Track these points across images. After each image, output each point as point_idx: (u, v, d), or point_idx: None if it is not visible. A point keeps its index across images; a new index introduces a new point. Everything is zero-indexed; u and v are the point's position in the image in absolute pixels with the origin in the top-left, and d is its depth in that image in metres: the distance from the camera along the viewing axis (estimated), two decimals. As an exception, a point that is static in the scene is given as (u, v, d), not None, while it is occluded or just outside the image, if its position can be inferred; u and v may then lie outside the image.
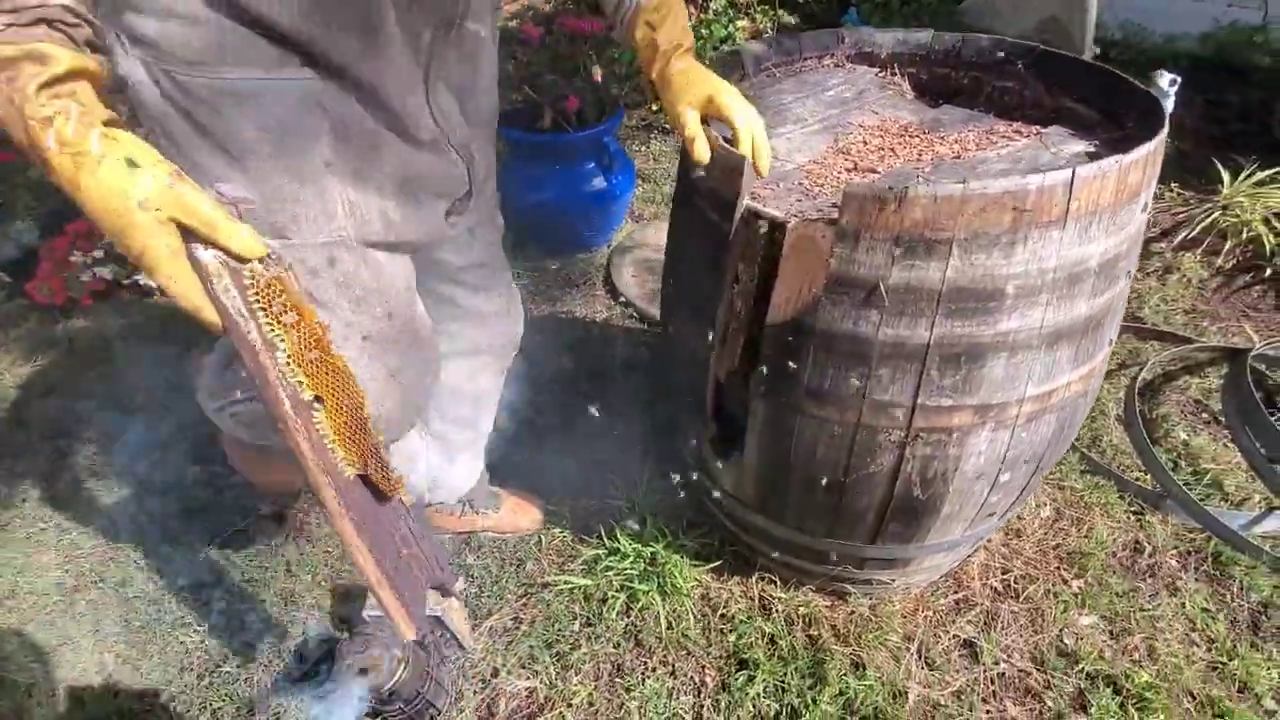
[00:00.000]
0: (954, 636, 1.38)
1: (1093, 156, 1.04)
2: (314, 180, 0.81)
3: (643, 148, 3.06)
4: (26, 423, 1.95)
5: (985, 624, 1.40)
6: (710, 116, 0.97)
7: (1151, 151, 0.87)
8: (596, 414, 1.58)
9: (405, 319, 0.98)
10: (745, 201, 0.96)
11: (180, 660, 1.41)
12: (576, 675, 1.34)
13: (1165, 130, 0.90)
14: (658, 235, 2.56)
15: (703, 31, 3.53)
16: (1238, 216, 2.18)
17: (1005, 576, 1.47)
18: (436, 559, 0.93)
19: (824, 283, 0.93)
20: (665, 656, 1.37)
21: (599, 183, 2.33)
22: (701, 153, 0.96)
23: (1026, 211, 0.82)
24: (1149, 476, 1.66)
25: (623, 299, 2.28)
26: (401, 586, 0.81)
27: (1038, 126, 1.15)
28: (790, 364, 1.00)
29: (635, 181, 2.61)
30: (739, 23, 3.58)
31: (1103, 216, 0.86)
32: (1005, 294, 0.88)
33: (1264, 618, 1.43)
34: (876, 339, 0.93)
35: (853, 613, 1.40)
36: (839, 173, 1.07)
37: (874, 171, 1.07)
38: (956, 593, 1.45)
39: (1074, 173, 0.81)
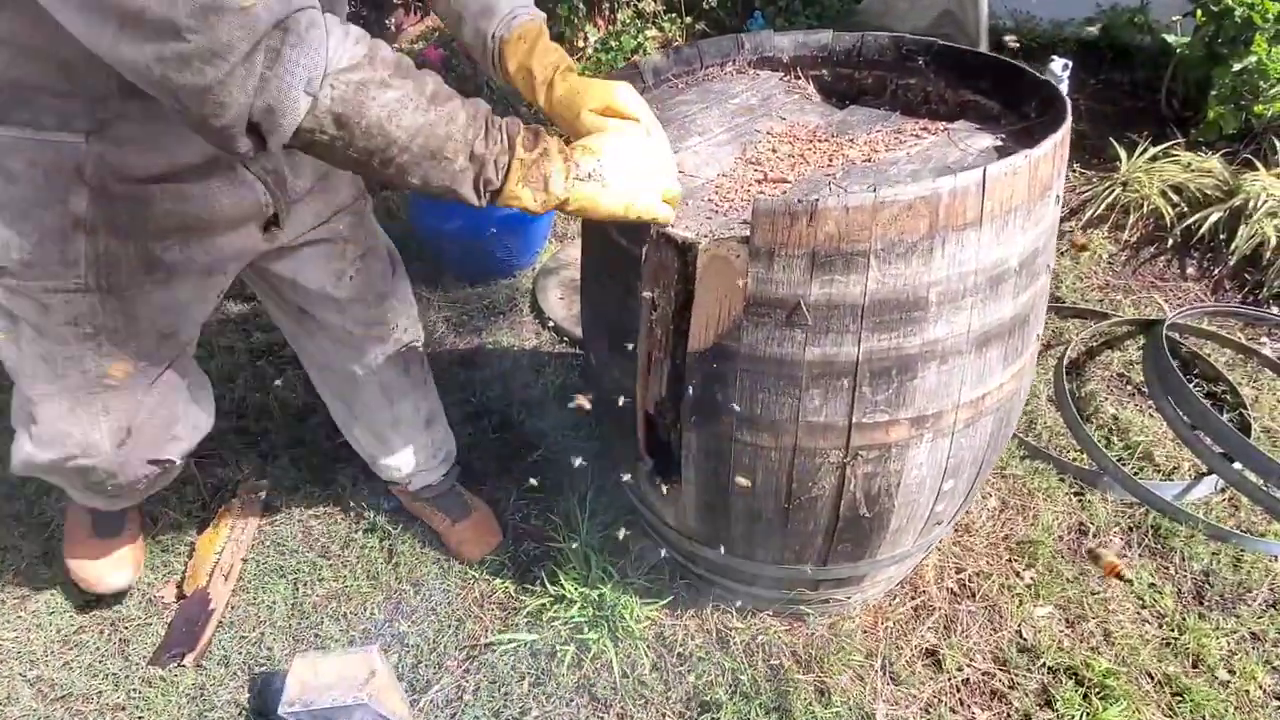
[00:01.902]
0: (916, 646, 1.34)
1: (1001, 149, 1.02)
2: (56, 235, 0.86)
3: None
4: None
5: (945, 628, 1.37)
6: None
7: (1058, 142, 0.84)
8: (533, 447, 1.49)
9: (143, 362, 1.02)
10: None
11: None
12: (529, 742, 1.24)
13: (1069, 120, 0.88)
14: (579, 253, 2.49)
15: (612, 43, 3.49)
16: (1138, 191, 2.26)
17: (960, 576, 1.45)
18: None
19: (743, 304, 0.87)
20: (622, 708, 1.28)
21: (515, 205, 2.24)
22: None
23: (939, 217, 0.78)
24: (1085, 455, 1.67)
25: (551, 323, 2.19)
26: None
27: (944, 122, 1.13)
28: (718, 391, 0.94)
29: (554, 201, 2.53)
30: (648, 32, 3.55)
31: (1018, 213, 0.83)
32: (929, 302, 0.84)
33: (1207, 585, 1.45)
34: (804, 359, 0.88)
35: (812, 634, 1.35)
36: (749, 185, 1.02)
37: (785, 181, 1.02)
38: (914, 599, 1.41)
39: (985, 172, 0.77)
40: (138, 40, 0.60)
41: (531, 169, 0.75)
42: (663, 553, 1.26)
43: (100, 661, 1.42)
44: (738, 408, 0.94)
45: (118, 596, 1.50)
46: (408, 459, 1.47)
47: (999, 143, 1.03)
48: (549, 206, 0.79)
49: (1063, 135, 0.86)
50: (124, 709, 1.34)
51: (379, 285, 1.24)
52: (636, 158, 0.81)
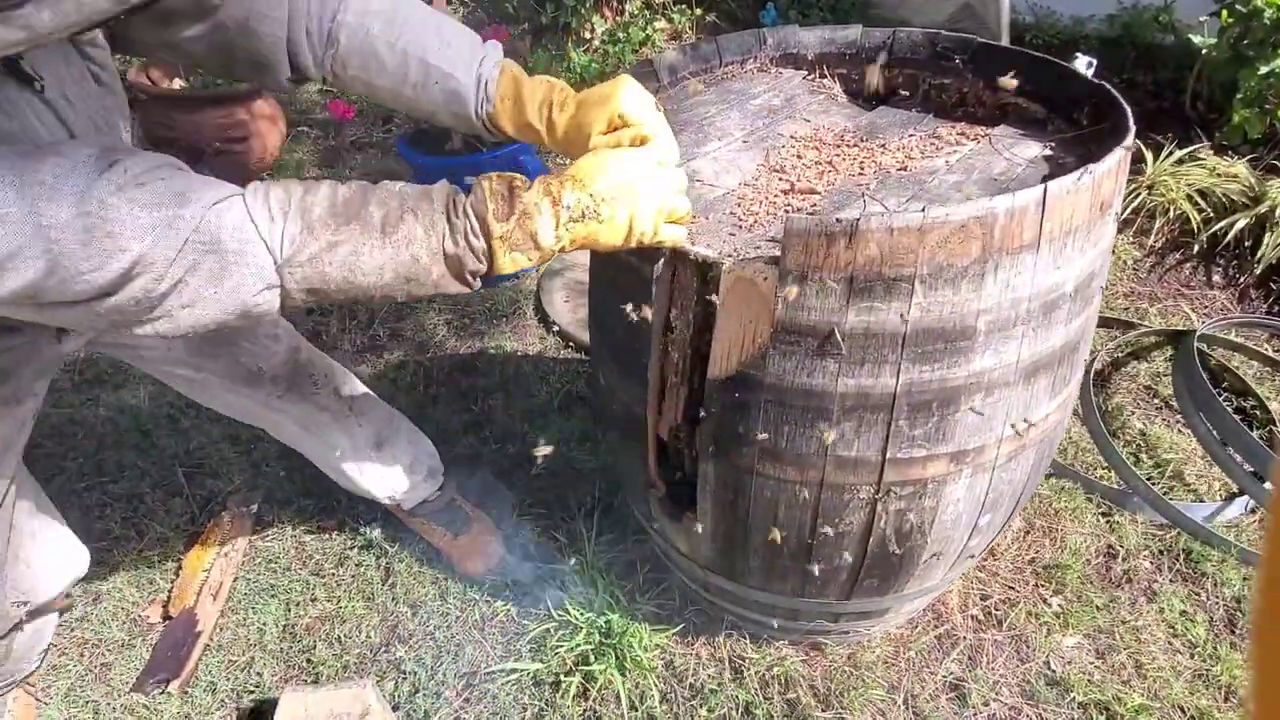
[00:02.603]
0: (940, 679, 1.27)
1: (1051, 160, 0.94)
2: None
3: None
4: None
5: (970, 659, 1.31)
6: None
7: (1123, 156, 0.77)
8: (536, 461, 1.41)
9: None
10: None
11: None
12: (531, 779, 1.18)
13: (1133, 129, 0.80)
14: (586, 256, 2.41)
15: (619, 35, 3.40)
16: (1164, 195, 2.18)
17: (985, 603, 1.38)
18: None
19: (770, 331, 0.79)
20: (630, 744, 1.22)
21: (517, 205, 2.16)
22: None
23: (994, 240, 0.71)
24: (1112, 473, 1.60)
25: (556, 327, 2.12)
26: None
27: (983, 127, 1.05)
28: (739, 422, 0.87)
29: (558, 199, 2.44)
30: (657, 24, 3.46)
31: (1078, 234, 0.75)
32: (976, 331, 0.76)
33: (1239, 613, 1.38)
34: (836, 391, 0.80)
35: (831, 666, 1.28)
36: (774, 196, 0.94)
37: (814, 192, 0.94)
38: (937, 628, 1.35)
39: (1046, 189, 0.69)
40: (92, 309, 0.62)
41: (514, 235, 0.70)
42: (677, 576, 1.20)
43: (79, 688, 1.35)
44: (762, 437, 0.86)
45: (97, 617, 1.44)
46: (377, 484, 1.38)
47: (1048, 151, 0.96)
48: (549, 258, 0.73)
49: (1128, 146, 0.78)
50: (105, 739, 1.28)
51: (222, 334, 1.12)
52: (633, 179, 0.73)
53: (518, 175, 0.72)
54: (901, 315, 0.74)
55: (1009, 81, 1.03)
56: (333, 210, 0.67)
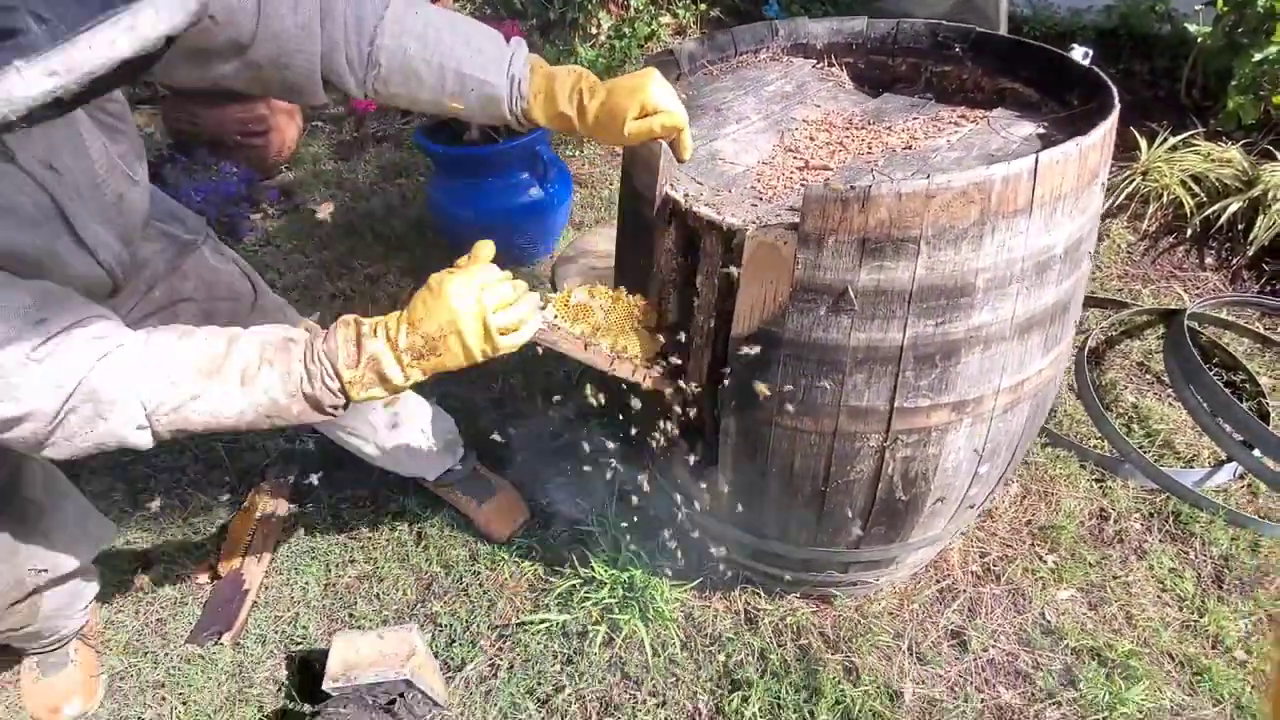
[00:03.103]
0: (942, 628, 1.36)
1: (1043, 137, 1.03)
2: None
3: (576, 153, 2.98)
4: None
5: (970, 610, 1.40)
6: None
7: (1108, 130, 0.85)
8: (557, 433, 1.50)
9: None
10: (662, 188, 0.93)
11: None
12: (564, 719, 1.27)
13: (1118, 107, 0.88)
14: (602, 241, 2.48)
15: (625, 30, 3.47)
16: (1158, 181, 2.25)
17: (984, 560, 1.47)
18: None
19: (790, 290, 0.88)
20: (654, 686, 1.31)
21: (535, 192, 2.24)
22: (686, 150, 0.98)
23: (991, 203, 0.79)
24: (1105, 443, 1.69)
25: (571, 310, 2.20)
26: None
27: (981, 110, 1.13)
28: (760, 377, 0.95)
29: (573, 188, 2.53)
30: (662, 19, 3.53)
31: (1066, 200, 0.84)
32: (976, 288, 0.85)
33: (1226, 570, 1.47)
34: (849, 345, 0.89)
35: (840, 616, 1.37)
36: (790, 173, 1.02)
37: (826, 169, 1.03)
38: (939, 582, 1.43)
39: (1037, 159, 0.78)
40: None
41: (365, 377, 0.81)
42: (695, 535, 1.28)
43: (137, 640, 1.44)
44: (785, 389, 0.95)
45: (151, 578, 1.53)
46: (397, 462, 1.46)
47: (1041, 130, 1.04)
48: (406, 387, 0.84)
49: (1112, 123, 0.87)
50: (164, 685, 1.37)
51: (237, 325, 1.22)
52: (456, 313, 0.81)
53: (365, 321, 0.82)
54: (910, 273, 0.83)
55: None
56: (195, 368, 0.78)
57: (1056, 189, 0.82)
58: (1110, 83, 0.94)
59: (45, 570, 1.16)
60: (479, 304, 0.82)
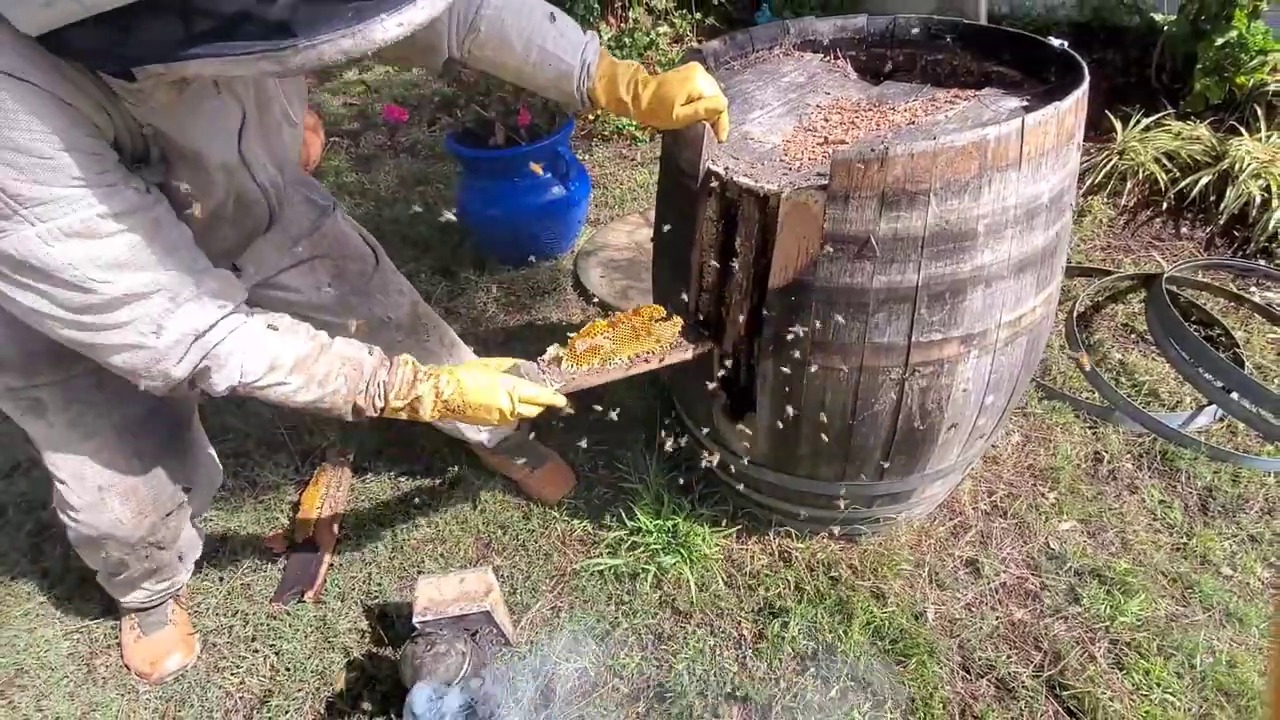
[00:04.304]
0: (957, 557, 1.51)
1: (1027, 108, 1.19)
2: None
3: (588, 155, 3.15)
4: (-1, 502, 1.87)
5: (982, 542, 1.55)
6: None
7: (1080, 97, 1.01)
8: (594, 407, 1.65)
9: (164, 415, 1.23)
10: (705, 164, 1.11)
11: (221, 704, 1.40)
12: (622, 649, 1.41)
13: (1088, 78, 1.05)
14: (618, 236, 2.65)
15: (625, 40, 3.66)
16: (1133, 159, 2.44)
17: (991, 498, 1.63)
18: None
19: (820, 243, 1.04)
20: (702, 618, 1.45)
21: (557, 191, 2.40)
22: (724, 131, 1.14)
23: (989, 158, 0.96)
24: (1097, 395, 1.85)
25: (595, 299, 2.35)
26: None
27: (972, 90, 1.30)
28: (794, 321, 1.11)
29: (591, 186, 2.69)
30: (660, 29, 3.72)
31: (1049, 156, 1.00)
32: (977, 233, 1.01)
33: (1210, 499, 1.63)
34: (871, 287, 1.05)
35: (865, 551, 1.52)
36: (812, 148, 1.18)
37: (843, 143, 1.19)
38: (952, 519, 1.59)
39: (1023, 121, 0.94)
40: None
41: (403, 408, 1.02)
42: (733, 482, 1.43)
43: (226, 602, 1.58)
44: (813, 335, 1.11)
45: (229, 550, 1.67)
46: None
47: (1025, 103, 1.21)
48: (425, 420, 1.04)
49: (1084, 90, 1.03)
50: (255, 639, 1.50)
51: (360, 284, 1.39)
52: (491, 395, 1.04)
53: (421, 369, 1.03)
54: (922, 221, 0.99)
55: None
56: (293, 359, 0.95)
57: (1040, 146, 0.98)
58: (1080, 59, 1.11)
59: (189, 489, 1.32)
60: (502, 395, 1.05)
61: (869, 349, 1.10)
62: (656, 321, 1.21)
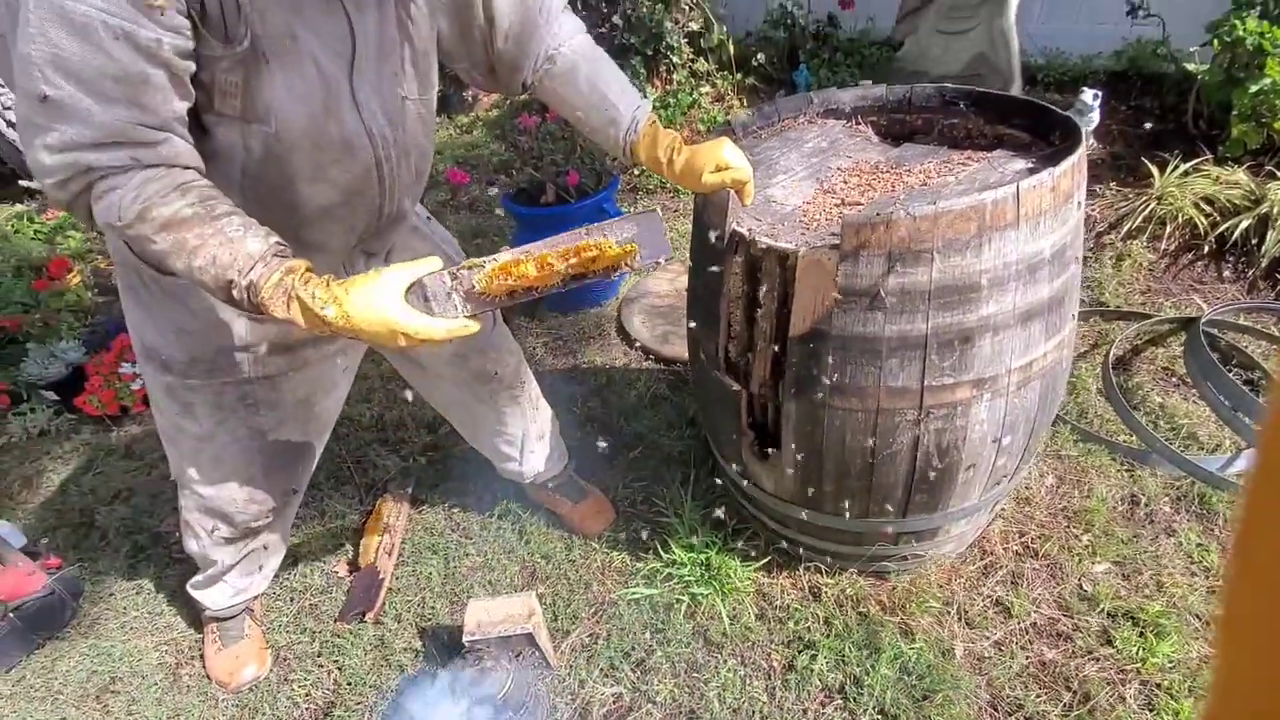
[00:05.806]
0: (987, 596, 1.54)
1: (1032, 171, 1.28)
2: (229, 350, 1.21)
3: (631, 208, 3.33)
4: (100, 526, 2.08)
5: (1012, 582, 1.57)
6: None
7: (1075, 162, 1.10)
8: (632, 446, 1.76)
9: (294, 425, 1.35)
10: (730, 226, 1.22)
11: (290, 713, 1.53)
12: (656, 676, 1.48)
13: (1084, 144, 1.14)
14: (659, 284, 2.80)
15: (670, 100, 3.87)
16: (1172, 204, 2.45)
17: (1023, 539, 1.65)
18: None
19: (834, 295, 1.14)
20: (733, 649, 1.51)
21: (603, 242, 2.57)
22: (749, 197, 1.22)
23: (987, 220, 1.05)
24: (1134, 438, 1.86)
25: (637, 344, 2.49)
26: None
27: (984, 152, 1.40)
28: (814, 367, 1.21)
29: (632, 238, 2.85)
30: (702, 89, 3.93)
31: (1046, 216, 1.09)
32: (981, 286, 1.10)
33: (1253, 547, 1.61)
34: (884, 336, 1.14)
35: (895, 588, 1.56)
36: (830, 209, 1.30)
37: (858, 204, 1.30)
38: (983, 559, 1.62)
39: (1018, 186, 1.04)
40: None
41: (286, 320, 0.93)
42: (761, 518, 1.50)
43: (295, 620, 1.73)
44: (831, 379, 1.20)
45: (299, 574, 1.82)
46: (529, 467, 1.76)
47: (1031, 165, 1.30)
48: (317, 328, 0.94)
49: (1079, 156, 1.12)
50: (320, 655, 1.64)
51: (481, 341, 1.51)
52: (368, 314, 0.93)
53: (315, 279, 0.92)
54: (928, 276, 1.08)
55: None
56: (165, 223, 0.88)
57: (1038, 207, 1.07)
58: (1079, 126, 1.20)
59: (296, 491, 1.49)
60: (408, 338, 0.94)
61: (884, 392, 1.19)
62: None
